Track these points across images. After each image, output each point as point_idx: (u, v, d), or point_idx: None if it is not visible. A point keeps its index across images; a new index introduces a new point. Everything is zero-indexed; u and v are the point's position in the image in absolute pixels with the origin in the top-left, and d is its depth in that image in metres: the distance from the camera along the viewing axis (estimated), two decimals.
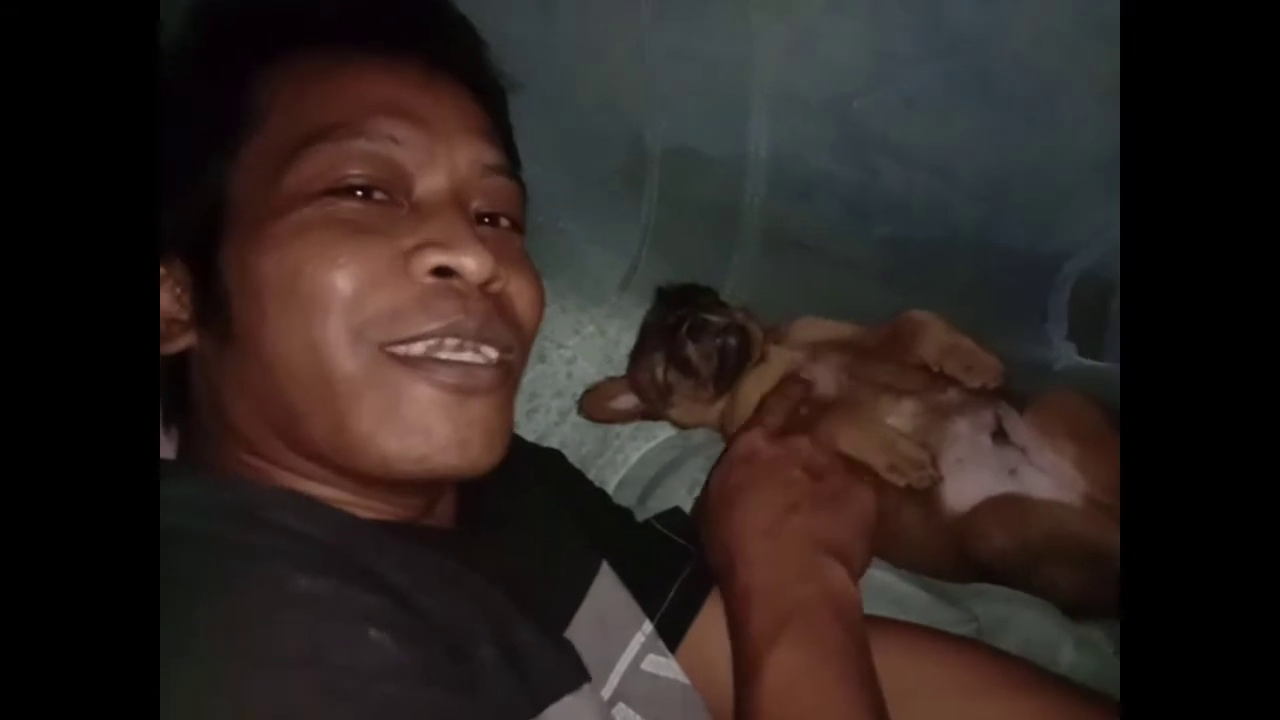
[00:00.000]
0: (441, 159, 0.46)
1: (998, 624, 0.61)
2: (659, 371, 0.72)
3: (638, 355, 0.74)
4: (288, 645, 0.34)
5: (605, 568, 0.55)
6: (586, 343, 0.80)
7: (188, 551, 0.36)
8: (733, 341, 0.70)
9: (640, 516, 0.67)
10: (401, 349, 0.42)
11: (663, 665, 0.54)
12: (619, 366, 0.78)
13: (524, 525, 0.54)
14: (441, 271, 0.43)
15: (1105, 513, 0.61)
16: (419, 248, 0.43)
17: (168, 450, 0.52)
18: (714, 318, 0.70)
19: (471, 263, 0.43)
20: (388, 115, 0.44)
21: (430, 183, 0.45)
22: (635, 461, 0.77)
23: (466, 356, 0.44)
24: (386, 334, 0.42)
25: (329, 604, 0.35)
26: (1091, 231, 0.59)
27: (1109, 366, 0.63)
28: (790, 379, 0.70)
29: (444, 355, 0.43)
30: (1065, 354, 0.65)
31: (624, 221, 0.77)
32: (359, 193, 0.43)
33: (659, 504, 0.72)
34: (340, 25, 0.48)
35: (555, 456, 0.68)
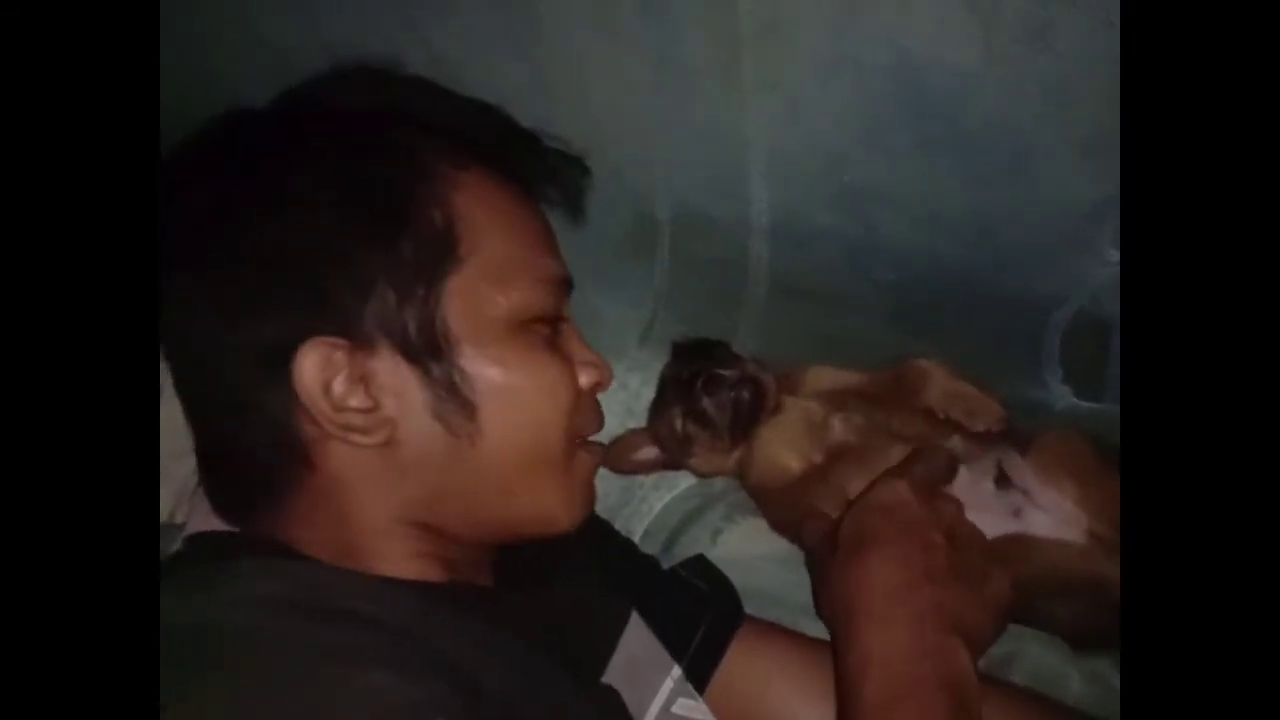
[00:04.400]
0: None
1: (1005, 658, 0.62)
2: (678, 424, 0.74)
3: (657, 408, 0.77)
4: None
5: (635, 617, 0.59)
6: (608, 397, 0.82)
7: (259, 649, 0.41)
8: (746, 394, 0.72)
9: (666, 563, 0.71)
10: (579, 441, 0.56)
11: (693, 708, 0.57)
12: (640, 418, 0.81)
13: (557, 578, 0.58)
14: (595, 386, 0.57)
15: (1108, 547, 0.63)
16: (580, 366, 0.55)
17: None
18: (727, 371, 0.73)
19: (611, 377, 0.58)
20: (550, 253, 0.55)
21: (565, 305, 0.56)
22: (659, 511, 0.80)
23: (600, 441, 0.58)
24: (579, 433, 0.55)
25: (394, 697, 0.39)
26: (1076, 276, 0.61)
27: (1107, 407, 0.65)
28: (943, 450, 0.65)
29: (596, 443, 0.58)
30: (1063, 396, 0.67)
31: (638, 281, 0.81)
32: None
33: (684, 550, 0.75)
34: (494, 150, 0.55)
35: None
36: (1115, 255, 0.57)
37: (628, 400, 0.85)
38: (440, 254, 0.49)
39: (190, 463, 0.73)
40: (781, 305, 0.79)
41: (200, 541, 0.53)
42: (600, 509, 0.77)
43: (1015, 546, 0.63)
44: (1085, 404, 0.67)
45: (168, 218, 0.47)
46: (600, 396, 0.90)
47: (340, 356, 0.47)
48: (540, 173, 0.58)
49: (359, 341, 0.48)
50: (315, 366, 0.47)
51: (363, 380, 0.48)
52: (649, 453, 0.78)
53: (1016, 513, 0.65)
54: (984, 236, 0.64)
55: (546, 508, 0.54)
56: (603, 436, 0.83)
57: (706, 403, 0.73)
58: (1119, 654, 0.65)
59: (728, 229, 0.73)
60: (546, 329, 0.53)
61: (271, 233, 0.48)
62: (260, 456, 0.49)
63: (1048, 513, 0.65)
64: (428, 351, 0.49)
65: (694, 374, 0.74)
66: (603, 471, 0.82)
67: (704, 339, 0.78)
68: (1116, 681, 0.63)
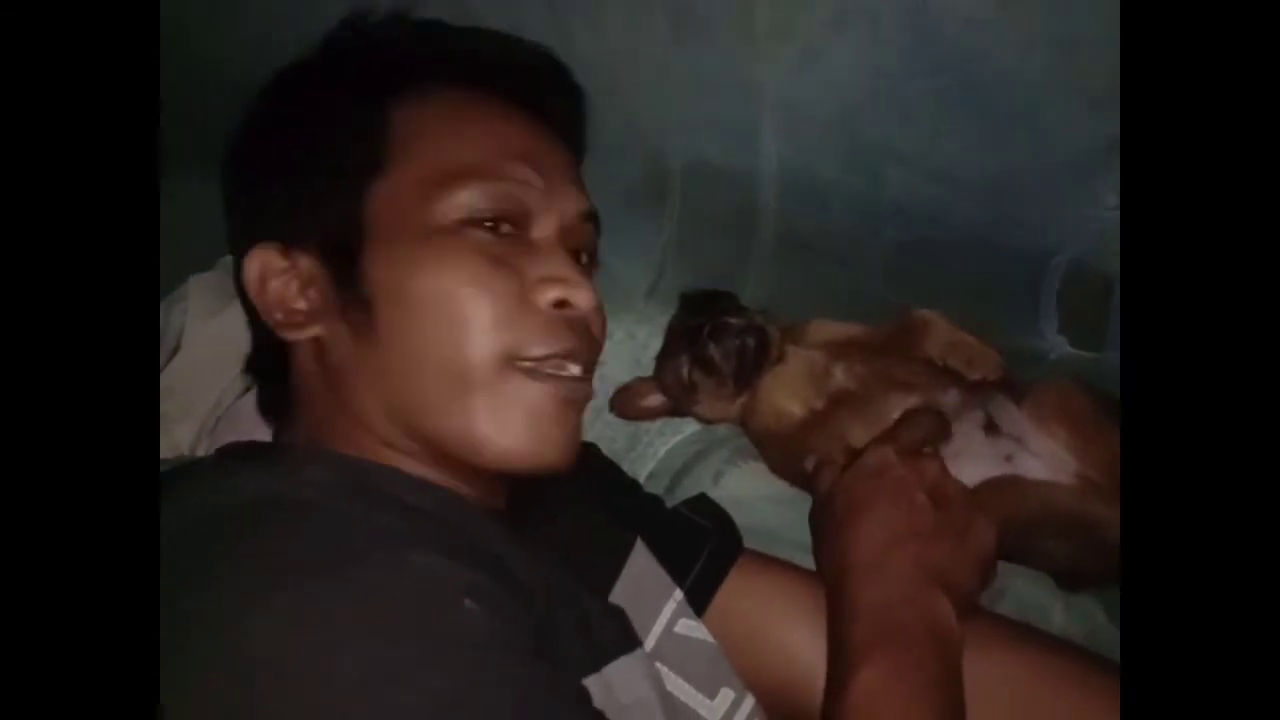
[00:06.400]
0: (555, 204, 0.54)
1: (994, 593, 0.64)
2: (684, 371, 0.76)
3: (664, 357, 0.79)
4: (399, 614, 0.40)
5: (639, 544, 0.62)
6: (617, 347, 0.85)
7: (319, 525, 0.43)
8: (751, 342, 0.74)
9: (670, 503, 0.73)
10: (526, 364, 0.51)
11: (693, 628, 0.60)
12: (647, 368, 0.83)
13: (567, 508, 0.60)
14: (559, 303, 0.52)
15: (1096, 490, 0.65)
16: (542, 281, 0.52)
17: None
18: (734, 320, 0.75)
19: (584, 297, 0.53)
20: (521, 161, 0.53)
21: (546, 224, 0.54)
22: (663, 455, 0.82)
23: (573, 373, 0.53)
24: (516, 352, 0.51)
25: (437, 577, 0.41)
26: (1076, 226, 0.63)
27: (1100, 356, 0.67)
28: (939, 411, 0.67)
29: (557, 372, 0.52)
30: (1058, 345, 0.69)
31: (648, 233, 0.83)
32: (491, 225, 0.52)
33: (686, 492, 0.77)
34: (470, 69, 0.56)
35: (591, 450, 0.74)
36: (1114, 200, 0.58)
37: (635, 351, 0.87)
38: (364, 160, 0.52)
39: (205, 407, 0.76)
40: (789, 261, 0.80)
41: (231, 449, 0.55)
42: (607, 453, 0.80)
43: (1007, 487, 0.65)
44: (1080, 353, 0.68)
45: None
46: (609, 348, 0.92)
47: (274, 258, 0.52)
48: (490, 76, 0.57)
49: (292, 244, 0.52)
50: (257, 270, 0.52)
51: (295, 280, 0.52)
52: (655, 400, 0.81)
53: (1009, 458, 0.67)
54: (991, 190, 0.66)
55: (477, 432, 0.50)
56: (611, 387, 0.86)
57: (712, 350, 0.75)
58: (1102, 591, 0.67)
59: (738, 180, 0.75)
60: (491, 238, 0.51)
61: (237, 159, 0.56)
62: (262, 361, 0.55)
63: (1040, 458, 0.67)
64: (341, 251, 0.52)
65: (701, 323, 0.76)
66: (610, 417, 0.85)
67: (712, 290, 0.80)
68: (1098, 615, 0.65)
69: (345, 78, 0.55)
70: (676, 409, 0.81)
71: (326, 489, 0.47)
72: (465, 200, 0.51)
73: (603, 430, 0.84)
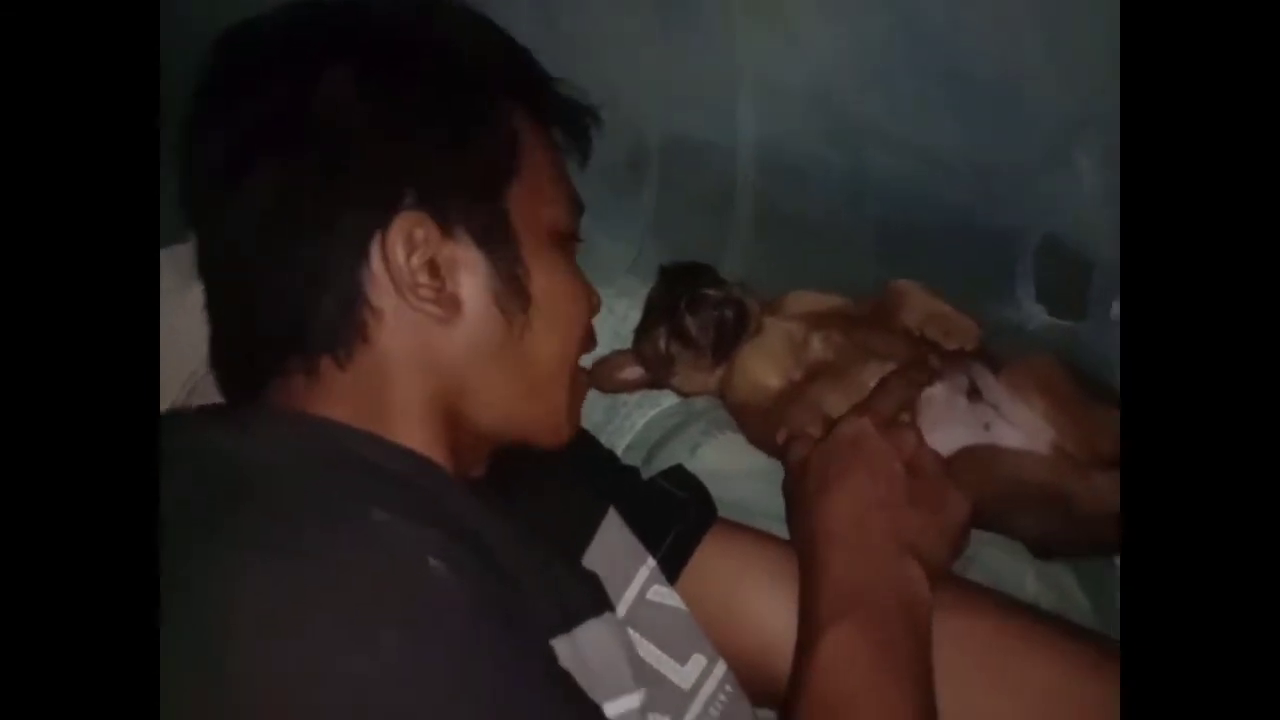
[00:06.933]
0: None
1: (964, 561, 0.66)
2: (662, 344, 0.77)
3: (642, 329, 0.79)
4: (366, 583, 0.40)
5: (612, 512, 0.62)
6: (596, 321, 0.86)
7: (288, 498, 0.44)
8: (729, 314, 0.74)
9: (646, 475, 0.73)
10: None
11: (665, 595, 0.60)
12: (626, 341, 0.83)
13: (541, 477, 0.61)
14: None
15: (1071, 461, 0.66)
16: (590, 291, 0.59)
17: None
18: (712, 292, 0.75)
19: (600, 305, 0.61)
20: (570, 182, 0.60)
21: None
22: (641, 427, 0.83)
23: None
24: (586, 349, 0.60)
25: (393, 534, 0.42)
26: (1055, 198, 0.64)
27: (1078, 325, 0.68)
28: (918, 365, 0.68)
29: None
30: (1036, 315, 0.70)
31: (629, 209, 0.83)
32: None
33: (663, 464, 0.77)
34: (533, 87, 0.59)
35: None
36: (1093, 173, 0.59)
37: (615, 324, 0.87)
38: (506, 160, 0.54)
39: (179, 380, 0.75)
40: (768, 236, 0.81)
41: (207, 409, 0.55)
42: (585, 425, 0.80)
43: (983, 456, 0.66)
44: (1059, 321, 0.69)
45: (241, 102, 0.52)
46: None
47: (423, 234, 0.51)
48: (554, 116, 0.60)
49: (442, 224, 0.52)
50: (405, 239, 0.51)
51: (440, 259, 0.52)
52: (633, 372, 0.81)
53: (987, 426, 0.68)
54: (971, 165, 0.66)
55: (557, 416, 0.58)
56: (590, 358, 0.86)
57: (690, 322, 0.75)
58: (1076, 562, 0.69)
59: (718, 159, 0.75)
60: (571, 248, 0.58)
61: (364, 123, 0.51)
62: (319, 331, 0.51)
63: (1016, 427, 0.67)
64: (499, 242, 0.53)
65: (679, 296, 0.76)
66: (589, 390, 0.85)
67: (691, 263, 0.80)
68: (1070, 583, 0.67)
69: (466, 63, 0.55)
70: (654, 381, 0.81)
71: (295, 454, 0.47)
72: (565, 218, 0.57)
73: None
